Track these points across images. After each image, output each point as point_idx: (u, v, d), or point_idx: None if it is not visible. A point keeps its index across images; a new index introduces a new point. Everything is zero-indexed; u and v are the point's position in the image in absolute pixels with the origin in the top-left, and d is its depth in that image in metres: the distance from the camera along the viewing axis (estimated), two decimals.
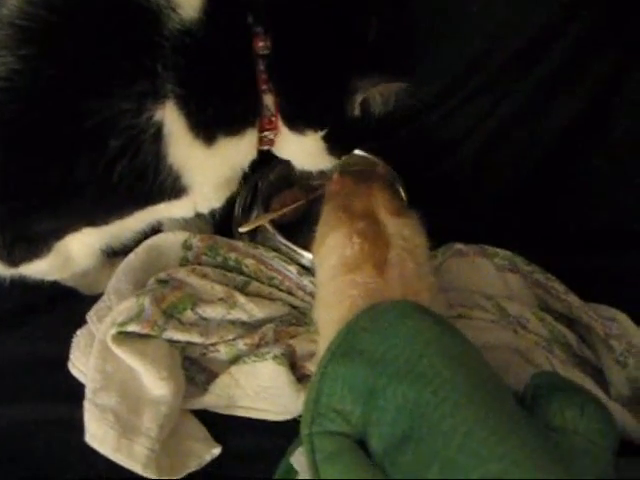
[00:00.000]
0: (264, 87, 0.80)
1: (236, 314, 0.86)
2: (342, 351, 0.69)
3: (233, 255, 0.94)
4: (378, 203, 0.79)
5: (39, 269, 0.89)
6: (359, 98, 0.84)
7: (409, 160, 1.03)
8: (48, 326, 0.91)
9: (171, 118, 0.74)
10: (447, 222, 1.03)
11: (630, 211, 1.00)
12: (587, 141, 0.99)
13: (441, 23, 0.93)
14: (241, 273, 0.94)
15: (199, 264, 0.94)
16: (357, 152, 1.03)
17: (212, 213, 1.01)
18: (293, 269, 0.93)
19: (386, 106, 0.84)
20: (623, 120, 0.96)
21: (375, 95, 0.84)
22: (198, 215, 1.01)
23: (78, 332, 0.85)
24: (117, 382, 0.79)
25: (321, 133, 0.85)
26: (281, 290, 0.93)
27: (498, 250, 1.01)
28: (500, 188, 1.06)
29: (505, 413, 0.62)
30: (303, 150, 0.88)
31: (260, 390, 0.83)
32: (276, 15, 0.79)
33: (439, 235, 1.00)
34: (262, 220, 0.98)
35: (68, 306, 0.94)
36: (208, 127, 0.77)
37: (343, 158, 0.94)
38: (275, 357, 0.82)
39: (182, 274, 0.88)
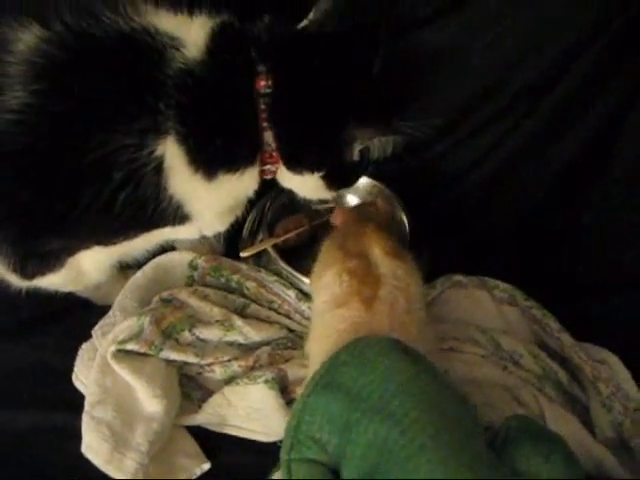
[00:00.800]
0: (264, 124, 0.83)
1: (233, 336, 0.90)
2: (324, 383, 0.72)
3: (236, 277, 0.98)
4: (372, 243, 0.82)
5: (53, 282, 0.94)
6: (357, 147, 0.86)
7: (415, 189, 1.05)
8: (58, 337, 0.96)
9: (171, 153, 0.78)
10: (451, 252, 1.06)
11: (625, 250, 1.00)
12: (588, 177, 1.00)
13: (450, 57, 0.95)
14: (242, 295, 0.97)
15: (205, 284, 0.99)
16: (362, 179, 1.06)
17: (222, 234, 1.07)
18: (292, 293, 0.96)
19: (384, 152, 0.87)
20: (623, 159, 0.96)
21: (373, 142, 0.86)
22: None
23: (83, 346, 0.90)
24: (114, 397, 0.83)
25: (319, 174, 0.88)
26: (280, 313, 0.97)
27: (499, 282, 1.02)
28: (505, 221, 1.07)
29: (470, 455, 0.64)
30: (302, 184, 0.91)
31: (251, 411, 0.86)
32: (279, 56, 0.82)
33: (442, 264, 1.04)
34: (263, 245, 1.01)
35: (80, 317, 0.99)
36: (208, 164, 0.80)
37: None
38: (266, 381, 0.85)
39: (184, 295, 0.92)
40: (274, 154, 0.86)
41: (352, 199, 1.12)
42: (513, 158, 1.01)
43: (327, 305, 0.80)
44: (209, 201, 0.85)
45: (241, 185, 0.86)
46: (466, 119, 1.00)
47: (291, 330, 0.95)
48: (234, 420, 0.86)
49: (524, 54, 0.93)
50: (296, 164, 0.87)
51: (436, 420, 0.65)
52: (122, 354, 0.84)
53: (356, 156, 0.88)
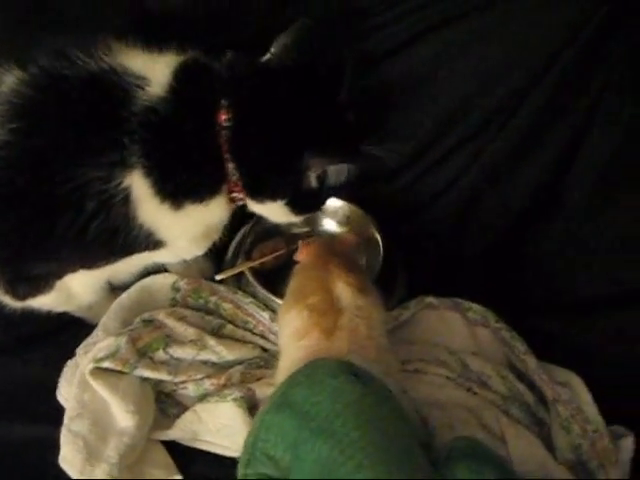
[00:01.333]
0: (227, 156, 0.87)
1: (206, 355, 0.95)
2: (279, 402, 0.77)
3: (213, 299, 1.02)
4: (334, 278, 0.86)
5: (44, 303, 1.00)
6: (313, 174, 0.90)
7: (389, 214, 1.09)
8: (50, 353, 1.02)
9: (138, 185, 0.83)
10: (425, 274, 1.09)
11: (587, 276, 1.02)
12: (550, 205, 1.02)
13: (414, 86, 0.99)
14: (220, 316, 1.02)
15: (186, 305, 1.04)
16: (335, 202, 1.12)
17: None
18: (266, 315, 1.01)
19: (338, 180, 0.91)
20: (579, 186, 0.98)
21: (329, 169, 0.91)
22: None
23: (68, 363, 0.96)
24: (91, 411, 0.88)
25: (281, 202, 0.92)
26: (254, 334, 1.01)
27: (472, 304, 1.05)
28: (476, 245, 1.09)
29: (407, 474, 0.67)
30: (269, 210, 0.95)
31: (221, 427, 0.90)
32: (239, 90, 0.87)
33: (416, 285, 1.07)
34: (238, 269, 1.06)
35: (73, 335, 1.04)
36: (174, 195, 0.85)
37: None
38: (235, 399, 0.90)
39: (162, 316, 0.97)
40: (239, 182, 0.90)
41: (328, 223, 1.16)
42: (479, 185, 1.04)
43: (291, 339, 0.85)
44: (179, 229, 0.90)
45: (209, 214, 0.91)
46: (432, 147, 1.03)
47: (265, 350, 0.99)
48: (205, 435, 0.90)
49: (485, 82, 0.96)
50: (257, 194, 0.91)
51: (376, 440, 0.68)
52: (100, 371, 0.89)
53: (314, 183, 0.92)
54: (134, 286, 1.03)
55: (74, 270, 0.96)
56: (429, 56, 0.97)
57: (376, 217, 1.10)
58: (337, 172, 0.91)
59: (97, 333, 0.97)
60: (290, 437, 0.72)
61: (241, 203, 0.95)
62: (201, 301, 1.03)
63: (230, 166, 0.88)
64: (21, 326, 1.04)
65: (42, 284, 0.96)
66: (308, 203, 0.95)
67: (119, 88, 0.82)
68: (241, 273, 1.07)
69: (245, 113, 0.86)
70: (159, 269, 1.07)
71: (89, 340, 0.97)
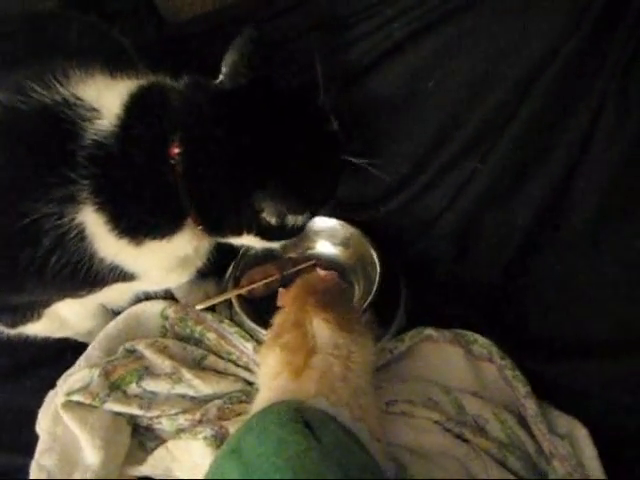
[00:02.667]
0: (183, 191, 0.81)
1: (181, 389, 0.91)
2: (231, 447, 0.73)
3: (199, 328, 0.99)
4: (311, 317, 0.82)
5: (37, 330, 1.00)
6: (267, 214, 0.83)
7: (387, 237, 1.02)
8: (46, 381, 0.99)
9: (91, 221, 0.79)
10: (426, 302, 1.01)
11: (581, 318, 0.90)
12: (550, 231, 0.91)
13: (398, 102, 0.92)
14: (204, 346, 0.98)
15: (175, 334, 1.01)
16: (330, 222, 1.06)
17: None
18: (250, 345, 0.96)
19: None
20: (579, 210, 0.87)
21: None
22: (203, 275, 1.07)
23: (50, 393, 0.95)
24: (61, 445, 0.87)
25: (242, 237, 0.86)
26: (238, 365, 0.96)
27: (478, 337, 0.96)
28: (477, 271, 1.00)
29: None
30: (241, 240, 0.89)
31: (194, 466, 0.87)
32: (189, 122, 0.81)
33: (418, 315, 0.99)
34: (221, 297, 1.02)
35: (72, 361, 1.01)
36: (131, 231, 0.81)
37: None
38: (205, 438, 0.85)
39: (142, 345, 0.95)
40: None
41: (324, 245, 1.10)
42: (477, 205, 0.94)
43: (265, 378, 0.82)
44: (146, 263, 0.86)
45: (176, 248, 0.85)
46: (425, 166, 0.95)
47: (250, 383, 0.95)
48: (180, 473, 0.87)
49: (471, 95, 0.87)
50: (215, 231, 0.86)
51: None
52: (72, 404, 0.88)
53: (274, 222, 0.84)
54: (122, 314, 1.01)
55: (59, 299, 0.95)
56: (409, 67, 0.89)
57: (374, 240, 1.03)
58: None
59: (79, 363, 0.95)
60: None
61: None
62: (187, 330, 1.00)
63: (187, 200, 0.81)
64: (21, 351, 1.06)
65: (28, 313, 0.95)
66: (277, 235, 0.89)
67: (69, 121, 0.79)
68: (230, 302, 1.03)
69: (196, 147, 0.80)
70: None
71: (71, 370, 0.95)
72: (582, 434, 0.83)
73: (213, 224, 0.85)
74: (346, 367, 0.79)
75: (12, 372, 1.06)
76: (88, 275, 0.84)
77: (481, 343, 0.95)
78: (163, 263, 0.88)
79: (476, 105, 0.87)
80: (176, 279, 0.96)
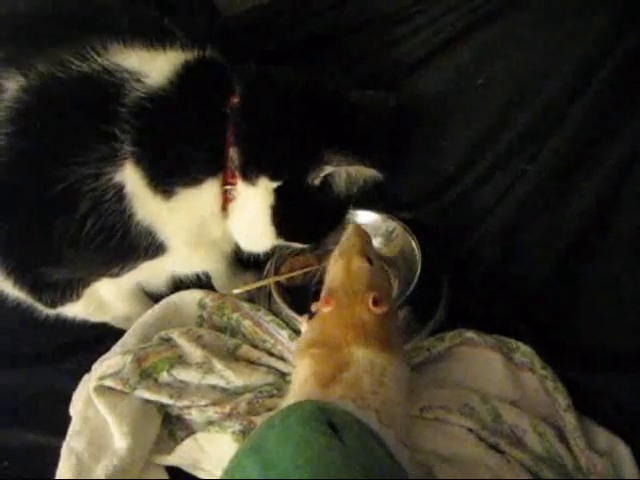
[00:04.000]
0: (232, 139, 0.84)
1: (212, 380, 0.90)
2: (252, 444, 0.71)
3: (235, 315, 0.99)
4: (350, 338, 0.78)
5: (76, 311, 1.02)
6: (327, 169, 0.84)
7: (432, 237, 0.99)
8: (84, 365, 0.99)
9: (131, 178, 0.82)
10: (467, 304, 0.98)
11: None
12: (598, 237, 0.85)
13: (448, 99, 0.88)
14: (240, 334, 0.98)
15: (212, 323, 1.01)
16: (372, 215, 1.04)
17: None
18: (285, 333, 0.95)
19: (348, 189, 0.82)
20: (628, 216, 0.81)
21: (342, 173, 0.83)
22: (245, 266, 1.07)
23: (84, 377, 0.95)
24: (92, 429, 0.87)
25: (273, 184, 0.86)
26: (272, 354, 0.96)
27: (520, 345, 0.91)
28: (525, 274, 0.95)
29: None
30: (250, 228, 0.90)
31: (221, 459, 0.85)
32: (256, 78, 0.87)
33: (458, 317, 0.96)
34: (258, 284, 1.01)
35: (111, 347, 1.01)
36: (166, 179, 0.83)
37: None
38: (233, 432, 0.85)
39: (176, 334, 0.94)
40: (236, 173, 0.86)
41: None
42: (522, 211, 0.91)
43: (295, 385, 0.79)
44: (174, 223, 0.87)
45: (200, 202, 0.87)
46: (468, 169, 0.92)
47: (283, 374, 0.93)
48: (207, 465, 0.86)
49: (520, 94, 0.83)
50: (253, 167, 0.86)
51: None
52: (104, 389, 0.88)
53: (317, 182, 0.85)
54: (160, 302, 1.01)
55: (95, 277, 0.96)
56: (459, 64, 0.86)
57: (419, 236, 0.99)
58: (350, 180, 0.84)
59: (115, 349, 0.96)
60: None
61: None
62: (224, 319, 0.99)
63: (231, 150, 0.84)
64: (60, 334, 1.07)
65: (67, 292, 0.97)
66: (297, 217, 0.89)
67: (111, 84, 0.82)
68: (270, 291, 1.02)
69: (260, 98, 0.85)
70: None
71: (106, 356, 0.96)
72: (624, 452, 0.78)
73: (255, 159, 0.86)
74: (378, 382, 0.76)
75: (51, 354, 1.07)
76: (122, 242, 0.85)
77: (523, 351, 0.90)
78: (187, 224, 0.88)
79: (525, 104, 0.84)
80: (203, 259, 0.96)
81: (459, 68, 0.88)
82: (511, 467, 0.78)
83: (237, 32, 1.15)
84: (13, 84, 0.83)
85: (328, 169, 0.84)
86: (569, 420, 0.80)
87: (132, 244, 0.86)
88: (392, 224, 1.05)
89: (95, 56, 0.83)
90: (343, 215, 0.94)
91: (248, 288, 1.02)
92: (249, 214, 0.89)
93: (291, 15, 1.05)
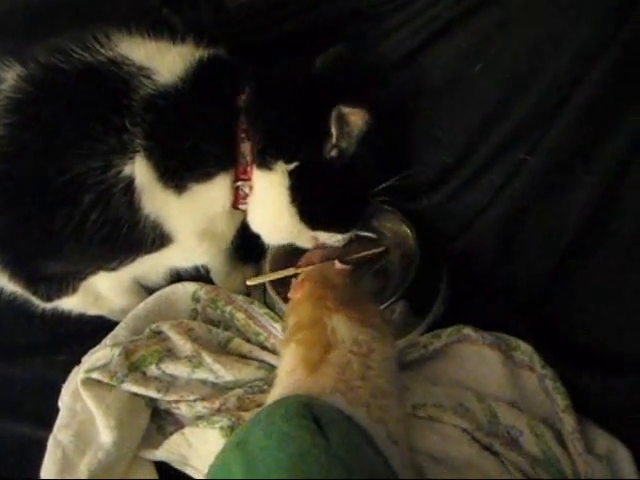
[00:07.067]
0: (242, 135, 0.85)
1: (201, 374, 0.88)
2: (238, 439, 0.70)
3: (228, 308, 0.97)
4: (330, 313, 0.78)
5: (72, 305, 1.01)
6: (334, 113, 0.84)
7: (430, 230, 0.97)
8: (78, 357, 0.97)
9: (141, 171, 0.81)
10: (465, 300, 0.95)
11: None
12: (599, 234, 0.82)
13: (445, 87, 0.87)
14: (233, 327, 0.97)
15: (206, 316, 0.99)
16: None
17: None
18: (278, 326, 0.93)
19: (348, 138, 0.85)
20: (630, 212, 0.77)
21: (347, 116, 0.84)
22: (243, 260, 1.06)
23: (74, 369, 0.94)
24: (78, 422, 0.86)
25: (289, 166, 0.86)
26: (264, 348, 0.94)
27: (520, 343, 0.89)
28: (520, 272, 0.93)
29: None
30: (274, 220, 0.91)
31: (210, 454, 0.83)
32: (262, 72, 0.89)
33: (456, 313, 0.93)
34: (273, 276, 0.99)
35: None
36: (178, 174, 0.83)
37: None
38: (222, 428, 0.83)
39: (166, 327, 0.93)
40: (248, 169, 0.86)
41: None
42: (520, 204, 0.88)
43: (281, 375, 0.78)
44: (184, 217, 0.87)
45: (212, 197, 0.87)
46: (466, 160, 0.89)
47: (274, 368, 0.89)
48: (195, 461, 0.85)
49: (519, 81, 0.80)
50: (270, 150, 0.86)
51: None
52: (91, 382, 0.87)
53: (334, 153, 0.86)
54: (153, 295, 0.99)
55: (92, 271, 0.94)
56: (457, 50, 0.83)
57: (418, 229, 0.97)
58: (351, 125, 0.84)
59: (106, 342, 0.94)
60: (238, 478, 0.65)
61: (243, 206, 0.90)
62: (218, 312, 0.98)
63: (243, 146, 0.85)
64: (56, 327, 1.06)
65: (64, 285, 0.96)
66: (318, 198, 0.88)
67: (117, 77, 0.81)
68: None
69: (267, 91, 0.87)
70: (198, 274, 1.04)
71: (96, 348, 0.94)
72: (623, 456, 0.75)
73: (271, 142, 0.87)
74: (366, 365, 0.75)
75: (45, 347, 1.06)
76: (127, 236, 0.85)
77: (523, 349, 0.87)
78: (197, 218, 0.89)
79: (525, 91, 0.81)
80: (205, 252, 0.95)
81: (456, 54, 0.86)
82: (505, 470, 0.76)
83: (240, 22, 1.14)
84: (15, 74, 0.82)
85: (334, 112, 0.84)
86: (567, 422, 0.77)
87: (137, 237, 0.86)
88: (388, 215, 1.02)
89: (98, 46, 0.83)
90: (365, 198, 0.93)
91: (264, 279, 1.00)
92: (268, 202, 0.89)
93: (292, 6, 1.03)
